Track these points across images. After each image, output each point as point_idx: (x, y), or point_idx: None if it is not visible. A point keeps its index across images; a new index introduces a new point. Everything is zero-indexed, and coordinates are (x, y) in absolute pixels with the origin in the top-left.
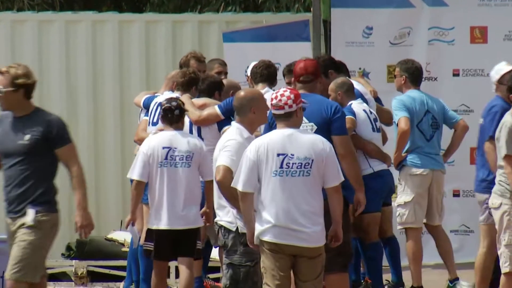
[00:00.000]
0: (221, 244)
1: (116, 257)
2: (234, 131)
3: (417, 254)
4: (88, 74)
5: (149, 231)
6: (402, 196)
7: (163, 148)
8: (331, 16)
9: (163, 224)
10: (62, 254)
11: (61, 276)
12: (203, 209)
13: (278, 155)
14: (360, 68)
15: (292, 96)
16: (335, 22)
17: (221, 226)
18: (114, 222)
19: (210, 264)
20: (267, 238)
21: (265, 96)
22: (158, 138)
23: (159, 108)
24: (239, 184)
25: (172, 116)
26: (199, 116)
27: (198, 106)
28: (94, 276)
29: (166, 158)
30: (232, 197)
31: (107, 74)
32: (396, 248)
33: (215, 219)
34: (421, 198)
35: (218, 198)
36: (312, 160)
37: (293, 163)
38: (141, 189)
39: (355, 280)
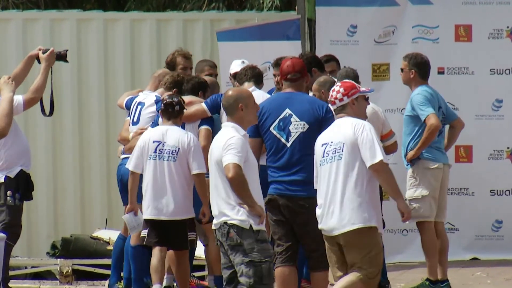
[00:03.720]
0: (233, 243)
1: (101, 255)
2: (230, 130)
3: (434, 247)
4: (72, 72)
5: (144, 220)
6: (418, 190)
7: (154, 142)
8: (316, 15)
9: (149, 214)
10: (47, 253)
11: (46, 275)
12: (202, 208)
13: (322, 145)
14: (344, 67)
15: (341, 90)
16: (319, 20)
17: (232, 225)
18: (99, 221)
19: (194, 262)
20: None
21: (252, 94)
22: (152, 132)
23: (139, 107)
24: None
25: (172, 111)
26: (186, 112)
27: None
28: (79, 275)
29: (155, 152)
30: (246, 193)
31: (92, 72)
32: None
33: (223, 219)
34: (436, 192)
35: (226, 198)
36: (344, 144)
37: (330, 150)
38: (135, 179)
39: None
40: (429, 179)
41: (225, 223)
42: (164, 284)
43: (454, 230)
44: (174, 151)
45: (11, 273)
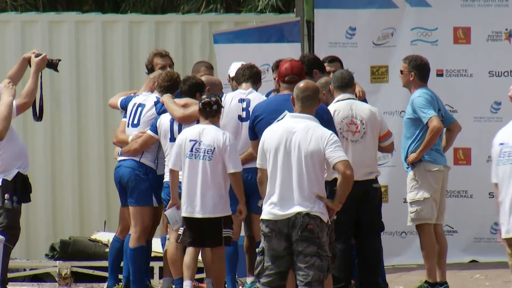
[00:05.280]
0: (310, 235)
1: (99, 257)
2: (317, 123)
3: (433, 249)
4: (71, 74)
5: (182, 217)
6: (419, 192)
7: (190, 140)
8: (314, 17)
9: (184, 211)
10: (46, 255)
11: (44, 277)
12: (239, 206)
13: (500, 144)
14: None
15: None
16: (318, 23)
17: (315, 217)
18: (97, 223)
19: None
20: None
21: (249, 96)
22: (189, 131)
23: (139, 109)
24: None
25: (210, 110)
26: (183, 114)
27: (180, 106)
28: (77, 277)
29: (191, 150)
30: (349, 191)
31: (91, 74)
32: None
33: (301, 209)
34: (437, 194)
35: (308, 189)
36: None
37: (506, 151)
38: (175, 177)
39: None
40: (430, 182)
41: (307, 214)
42: (161, 286)
43: (452, 233)
44: (209, 150)
45: (9, 275)
